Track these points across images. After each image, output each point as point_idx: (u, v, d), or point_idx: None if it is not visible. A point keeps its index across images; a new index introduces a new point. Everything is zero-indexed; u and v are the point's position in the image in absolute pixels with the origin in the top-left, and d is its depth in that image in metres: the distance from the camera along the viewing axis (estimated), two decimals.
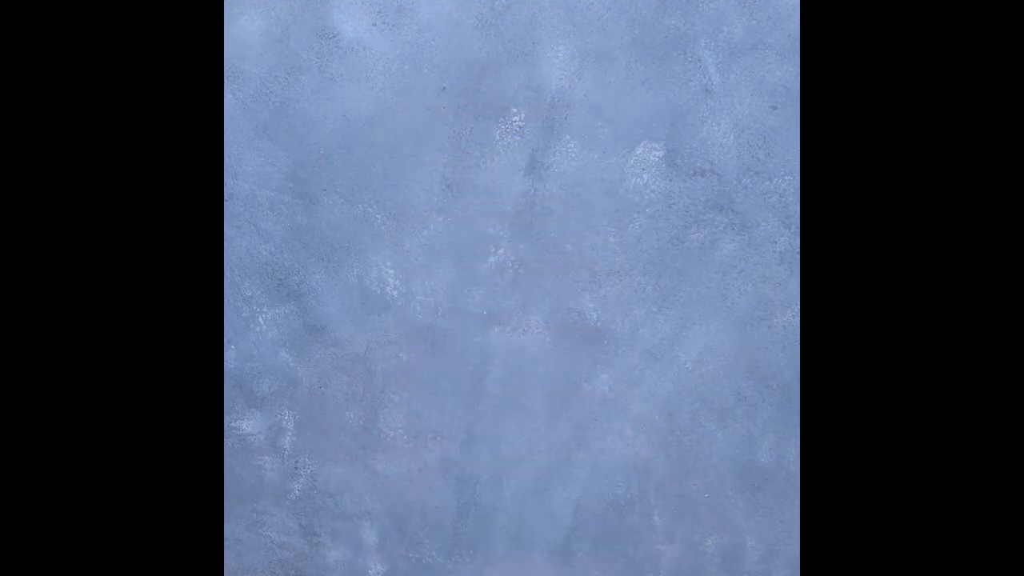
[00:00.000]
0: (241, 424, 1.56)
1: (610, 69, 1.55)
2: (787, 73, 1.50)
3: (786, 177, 1.52)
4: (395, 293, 1.55)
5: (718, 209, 1.56)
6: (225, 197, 1.55)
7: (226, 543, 1.56)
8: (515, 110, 1.54)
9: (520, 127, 1.54)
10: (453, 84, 1.54)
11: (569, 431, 1.56)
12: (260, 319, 1.55)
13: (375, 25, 1.55)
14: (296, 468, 1.57)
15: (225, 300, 1.55)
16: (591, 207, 1.56)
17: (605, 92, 1.55)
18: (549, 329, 1.55)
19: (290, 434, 1.57)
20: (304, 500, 1.57)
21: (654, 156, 1.56)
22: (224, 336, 1.55)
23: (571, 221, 1.55)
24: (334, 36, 1.55)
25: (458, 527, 1.56)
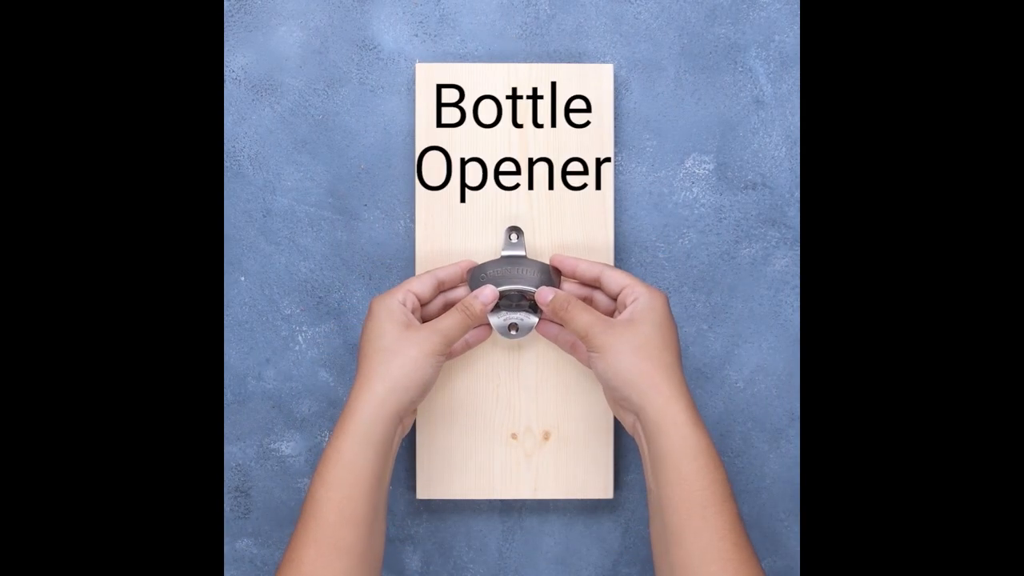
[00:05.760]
0: (280, 446, 1.52)
1: (658, 80, 1.51)
2: None
3: None
4: None
5: (770, 223, 1.52)
6: (263, 213, 1.51)
7: (265, 567, 1.52)
8: None
9: None
10: None
11: (616, 450, 1.52)
12: (299, 338, 1.51)
13: (416, 36, 1.51)
14: None
15: (264, 319, 1.51)
16: (638, 222, 1.51)
17: (653, 103, 1.51)
18: None
19: None
20: None
21: (704, 169, 1.52)
22: (263, 356, 1.51)
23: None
24: (375, 47, 1.50)
25: (503, 550, 1.52)
